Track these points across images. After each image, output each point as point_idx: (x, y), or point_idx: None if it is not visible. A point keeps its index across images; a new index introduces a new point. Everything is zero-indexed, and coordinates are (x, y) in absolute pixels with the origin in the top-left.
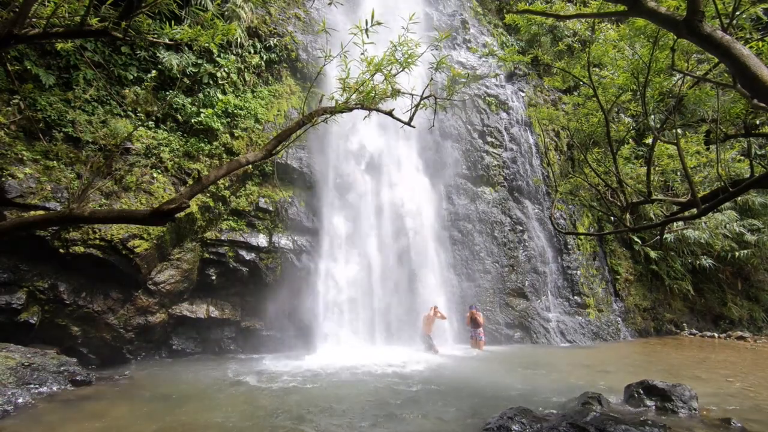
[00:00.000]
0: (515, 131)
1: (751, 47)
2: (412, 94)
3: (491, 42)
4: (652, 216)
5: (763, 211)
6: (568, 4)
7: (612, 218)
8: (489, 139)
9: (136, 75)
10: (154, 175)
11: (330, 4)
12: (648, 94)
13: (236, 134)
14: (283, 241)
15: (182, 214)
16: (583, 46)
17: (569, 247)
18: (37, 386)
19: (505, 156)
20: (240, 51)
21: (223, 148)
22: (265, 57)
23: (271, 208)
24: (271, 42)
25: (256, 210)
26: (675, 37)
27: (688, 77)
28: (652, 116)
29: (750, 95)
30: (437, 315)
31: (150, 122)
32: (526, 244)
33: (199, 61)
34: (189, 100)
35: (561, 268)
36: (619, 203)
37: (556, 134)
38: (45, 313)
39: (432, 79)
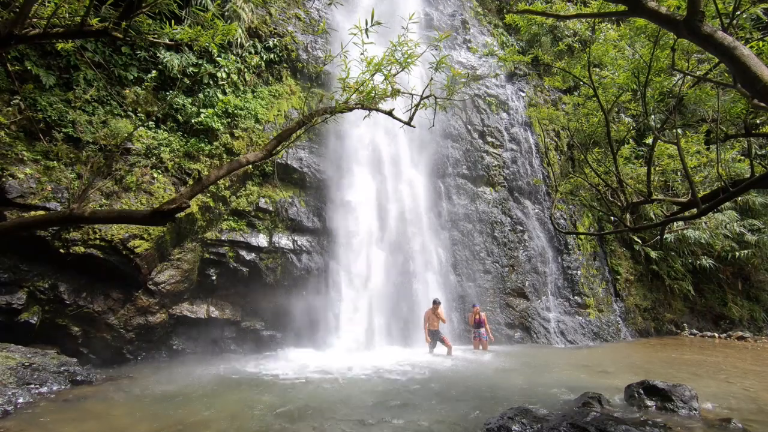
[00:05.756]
0: (515, 131)
1: (751, 47)
2: (412, 94)
3: (491, 42)
4: (652, 216)
5: (763, 211)
6: (569, 4)
7: (612, 218)
8: (489, 139)
9: (136, 75)
10: (155, 175)
11: (330, 4)
12: (648, 94)
13: (236, 134)
14: (284, 241)
15: (182, 214)
16: (584, 46)
17: (569, 247)
18: (37, 386)
19: (506, 156)
20: (240, 51)
21: (223, 149)
22: (265, 57)
23: (271, 208)
24: (272, 42)
25: (256, 210)
26: (675, 37)
27: (689, 77)
28: (653, 116)
29: (750, 95)
30: (439, 315)
31: (150, 122)
32: (527, 244)
33: (200, 62)
34: (189, 100)
35: (561, 268)
36: (619, 203)
37: (556, 134)
38: (45, 313)
39: (432, 78)
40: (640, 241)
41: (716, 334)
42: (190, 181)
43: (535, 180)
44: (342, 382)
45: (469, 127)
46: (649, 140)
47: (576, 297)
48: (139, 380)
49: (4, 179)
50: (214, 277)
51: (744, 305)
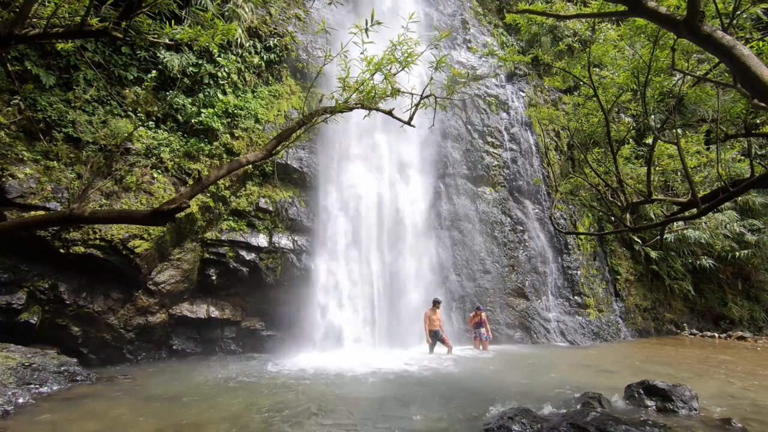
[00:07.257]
0: (515, 131)
1: (751, 47)
2: (412, 94)
3: (491, 42)
4: (652, 216)
5: (763, 211)
6: (569, 4)
7: (612, 218)
8: (489, 139)
9: (136, 75)
10: (155, 175)
11: (330, 4)
12: (648, 94)
13: (236, 134)
14: (284, 241)
15: (182, 214)
16: (584, 46)
17: (569, 247)
18: (37, 386)
19: (506, 156)
20: (240, 51)
21: (223, 148)
22: (265, 57)
23: (271, 208)
24: (272, 42)
25: (256, 210)
26: (675, 37)
27: (689, 77)
28: (653, 116)
29: (750, 95)
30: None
31: (150, 122)
32: (527, 244)
33: (200, 61)
34: (189, 100)
35: (561, 268)
36: (619, 203)
37: (556, 134)
38: (45, 313)
39: (432, 78)
40: (640, 241)
41: (716, 334)
42: (190, 181)
43: (535, 180)
44: (342, 382)
45: (469, 127)
46: (649, 140)
47: (576, 297)
48: (139, 380)
49: (4, 179)
50: (214, 277)
51: (744, 305)
